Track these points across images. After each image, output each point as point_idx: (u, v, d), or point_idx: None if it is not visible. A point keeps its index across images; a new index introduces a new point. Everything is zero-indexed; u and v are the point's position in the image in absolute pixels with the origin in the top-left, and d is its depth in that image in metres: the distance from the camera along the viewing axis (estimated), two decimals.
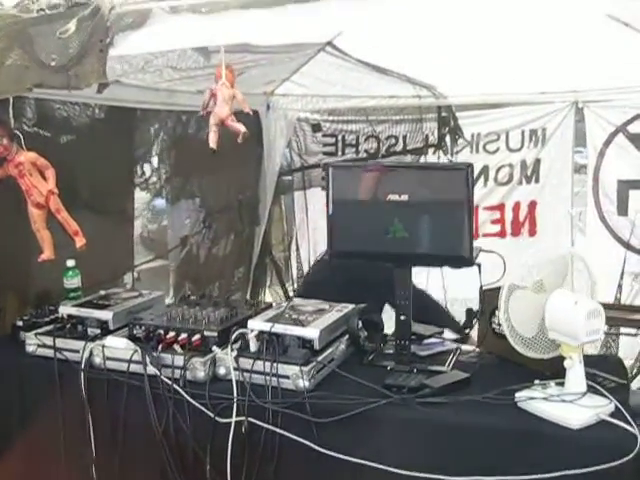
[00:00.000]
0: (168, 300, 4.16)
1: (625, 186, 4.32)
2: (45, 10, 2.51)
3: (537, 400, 2.24)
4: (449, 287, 4.53)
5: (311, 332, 2.52)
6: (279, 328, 2.54)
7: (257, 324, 2.58)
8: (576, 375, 2.23)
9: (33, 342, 2.78)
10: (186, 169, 4.17)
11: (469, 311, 2.68)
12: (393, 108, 4.64)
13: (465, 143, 4.61)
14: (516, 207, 4.64)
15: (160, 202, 4.35)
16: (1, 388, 2.81)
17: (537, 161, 4.54)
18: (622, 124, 4.29)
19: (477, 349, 2.75)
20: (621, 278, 4.36)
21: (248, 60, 3.93)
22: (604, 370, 2.47)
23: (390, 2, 2.48)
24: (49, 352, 2.74)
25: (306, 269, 4.85)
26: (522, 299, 2.28)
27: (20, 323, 2.93)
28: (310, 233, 4.82)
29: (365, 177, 2.54)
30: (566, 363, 2.23)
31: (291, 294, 4.86)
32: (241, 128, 2.57)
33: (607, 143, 4.33)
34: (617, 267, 4.30)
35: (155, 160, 3.98)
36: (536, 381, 2.34)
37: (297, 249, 4.97)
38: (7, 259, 3.10)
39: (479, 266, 2.47)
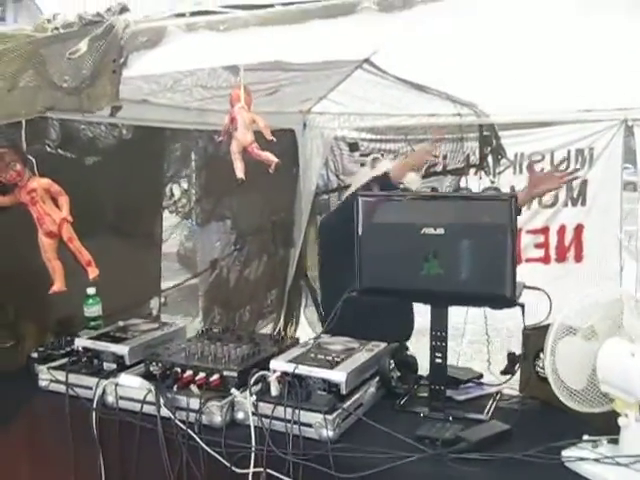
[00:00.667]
0: (197, 324, 3.97)
1: None
2: (59, 29, 2.32)
3: (587, 461, 1.94)
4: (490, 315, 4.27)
5: (338, 375, 2.26)
6: (303, 370, 2.29)
7: (280, 364, 2.33)
8: (633, 434, 1.92)
9: (46, 377, 2.58)
10: (217, 190, 3.94)
11: (511, 356, 2.39)
12: (433, 127, 4.35)
13: (508, 163, 4.29)
14: (561, 231, 4.29)
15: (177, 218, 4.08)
16: (13, 422, 2.61)
17: (584, 182, 4.19)
18: None
19: (519, 393, 2.46)
20: None
21: (282, 78, 3.71)
22: None
23: (427, 17, 2.23)
24: (62, 387, 2.53)
25: None
26: (570, 347, 2.00)
27: (35, 355, 2.73)
28: None
29: (398, 209, 2.28)
30: (621, 421, 1.93)
31: None
32: (271, 158, 2.31)
33: None
34: None
35: (185, 181, 3.77)
36: (585, 436, 2.04)
37: None
38: (26, 286, 2.91)
39: (522, 307, 2.19)
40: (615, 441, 1.98)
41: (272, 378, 2.26)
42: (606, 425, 2.04)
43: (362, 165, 4.37)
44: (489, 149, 4.30)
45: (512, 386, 2.49)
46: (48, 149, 3.12)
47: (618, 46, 3.11)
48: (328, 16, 1.95)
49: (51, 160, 3.12)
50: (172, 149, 3.71)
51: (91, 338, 2.67)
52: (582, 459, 1.96)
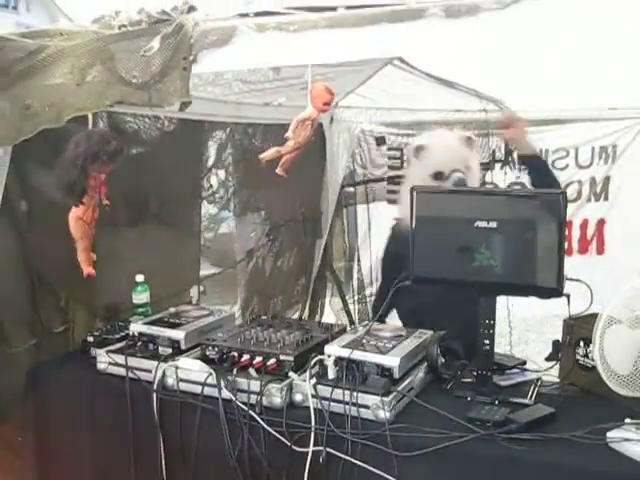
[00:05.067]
0: (236, 312, 4.11)
1: None
2: (127, 27, 2.44)
3: (632, 442, 2.09)
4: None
5: (391, 360, 2.40)
6: (358, 355, 2.42)
7: (335, 350, 2.47)
8: None
9: (104, 360, 2.71)
10: (251, 182, 4.08)
11: (556, 343, 2.53)
12: (459, 122, 4.48)
13: None
14: (584, 224, 4.46)
15: (215, 209, 4.19)
16: (72, 404, 2.74)
17: (607, 178, 4.36)
18: None
19: (559, 381, 2.60)
20: None
21: (317, 73, 3.83)
22: None
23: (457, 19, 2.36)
24: (120, 370, 2.66)
25: (367, 282, 4.74)
26: (617, 335, 2.14)
27: (91, 339, 2.86)
28: (373, 247, 4.68)
29: (452, 203, 2.42)
30: None
31: (351, 306, 4.74)
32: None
33: None
34: None
35: (222, 173, 3.90)
36: (627, 419, 2.19)
37: (359, 262, 4.84)
38: (76, 272, 3.04)
39: (568, 297, 2.33)
40: None
41: (330, 362, 2.40)
42: None
43: None
44: (514, 145, 4.43)
45: (551, 374, 2.64)
46: None
47: None
48: (395, 20, 2.08)
49: None
50: (211, 141, 3.84)
51: (146, 323, 2.80)
52: (627, 440, 2.10)
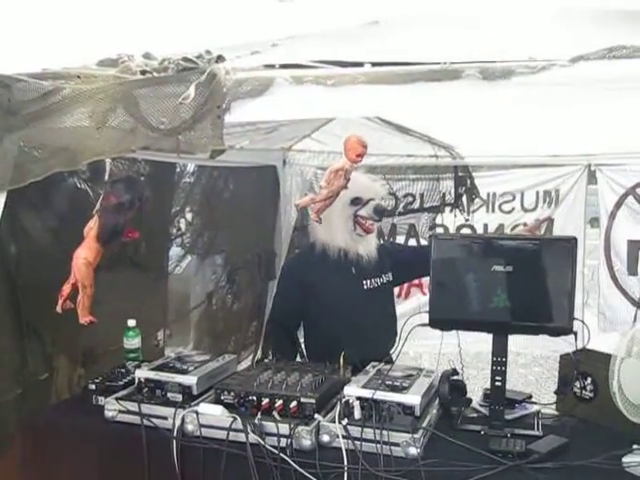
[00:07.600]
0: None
1: (635, 246, 4.59)
2: (152, 73, 2.55)
3: None
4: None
5: (413, 399, 2.59)
6: (380, 395, 2.60)
7: (356, 391, 2.63)
8: None
9: (113, 407, 2.73)
10: (214, 224, 4.21)
11: (563, 378, 2.81)
12: (411, 167, 4.80)
13: (481, 202, 4.81)
14: None
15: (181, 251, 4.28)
16: (80, 456, 2.73)
17: (550, 221, 4.78)
18: (632, 187, 4.57)
19: (557, 412, 2.88)
20: None
21: (282, 119, 4.02)
22: None
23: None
24: (131, 418, 2.70)
25: None
26: (629, 369, 2.43)
27: (92, 386, 2.88)
28: None
29: (469, 249, 2.66)
30: None
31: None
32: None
33: (618, 205, 4.60)
34: (629, 325, 4.54)
35: (190, 215, 4.00)
36: (635, 445, 2.47)
37: None
38: (57, 319, 3.05)
39: (575, 334, 2.61)
40: None
41: (356, 403, 2.56)
42: None
43: None
44: (463, 189, 4.79)
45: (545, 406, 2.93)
46: (78, 185, 3.30)
47: (584, 98, 3.65)
48: (433, 79, 2.31)
49: (78, 195, 3.31)
50: (180, 184, 3.94)
51: (152, 369, 2.85)
52: None
